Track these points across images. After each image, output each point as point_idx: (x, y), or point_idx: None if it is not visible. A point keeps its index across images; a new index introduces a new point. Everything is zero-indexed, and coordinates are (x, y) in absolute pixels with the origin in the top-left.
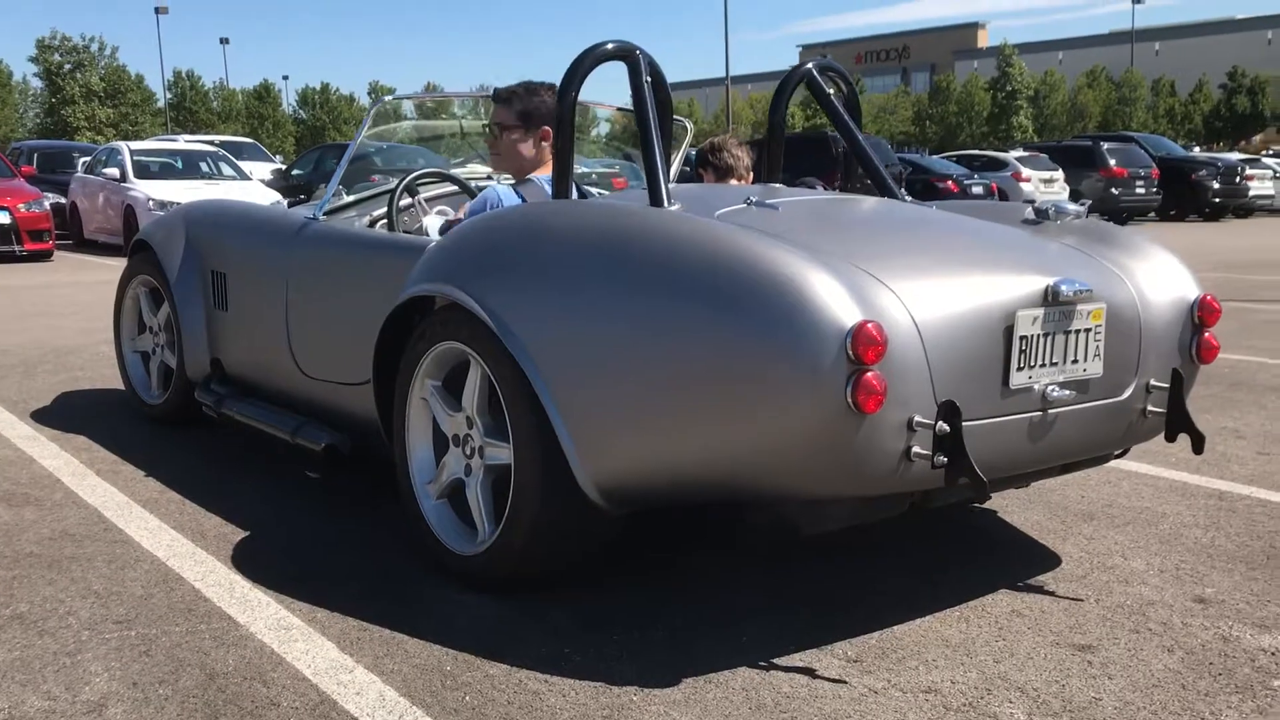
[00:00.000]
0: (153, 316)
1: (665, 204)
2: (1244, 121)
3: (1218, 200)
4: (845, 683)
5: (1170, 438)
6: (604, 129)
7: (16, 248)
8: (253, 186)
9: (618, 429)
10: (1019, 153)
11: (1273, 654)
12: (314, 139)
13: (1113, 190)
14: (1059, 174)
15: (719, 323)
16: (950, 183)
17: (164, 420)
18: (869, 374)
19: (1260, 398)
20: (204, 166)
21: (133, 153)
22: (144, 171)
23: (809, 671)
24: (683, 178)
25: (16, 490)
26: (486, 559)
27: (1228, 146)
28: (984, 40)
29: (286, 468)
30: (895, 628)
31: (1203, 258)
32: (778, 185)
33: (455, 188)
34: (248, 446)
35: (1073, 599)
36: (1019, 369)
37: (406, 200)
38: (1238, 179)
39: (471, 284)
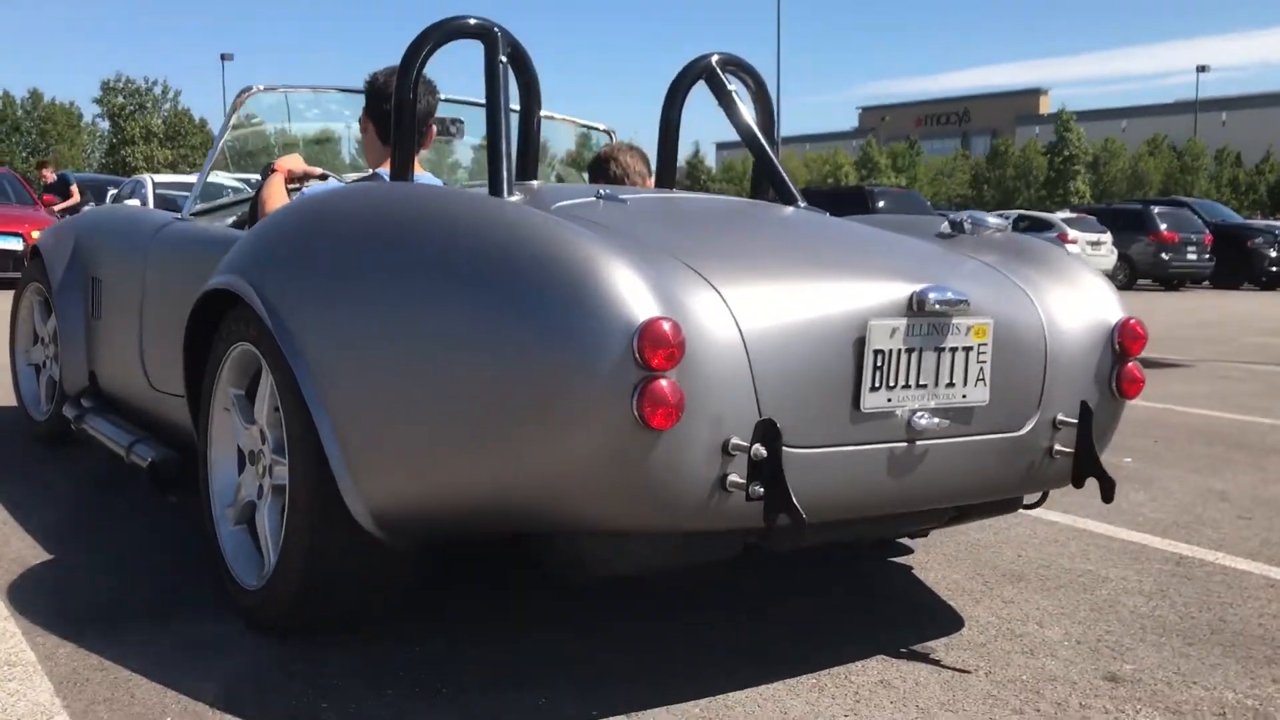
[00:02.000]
0: (43, 327)
1: (504, 194)
2: None
3: (1274, 269)
4: None
5: (1077, 483)
6: (556, 149)
7: None
8: None
9: (390, 444)
10: (1066, 214)
11: None
12: None
13: (1163, 255)
14: (1107, 236)
15: (495, 318)
16: None
17: (48, 438)
18: (660, 382)
19: (1261, 460)
20: (228, 197)
21: (156, 185)
22: (166, 204)
23: None
24: None
25: None
26: (264, 594)
27: None
28: (1046, 106)
29: (143, 491)
30: (731, 694)
31: (1249, 324)
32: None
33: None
34: (118, 468)
35: (959, 670)
36: (873, 388)
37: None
38: None
39: (255, 274)
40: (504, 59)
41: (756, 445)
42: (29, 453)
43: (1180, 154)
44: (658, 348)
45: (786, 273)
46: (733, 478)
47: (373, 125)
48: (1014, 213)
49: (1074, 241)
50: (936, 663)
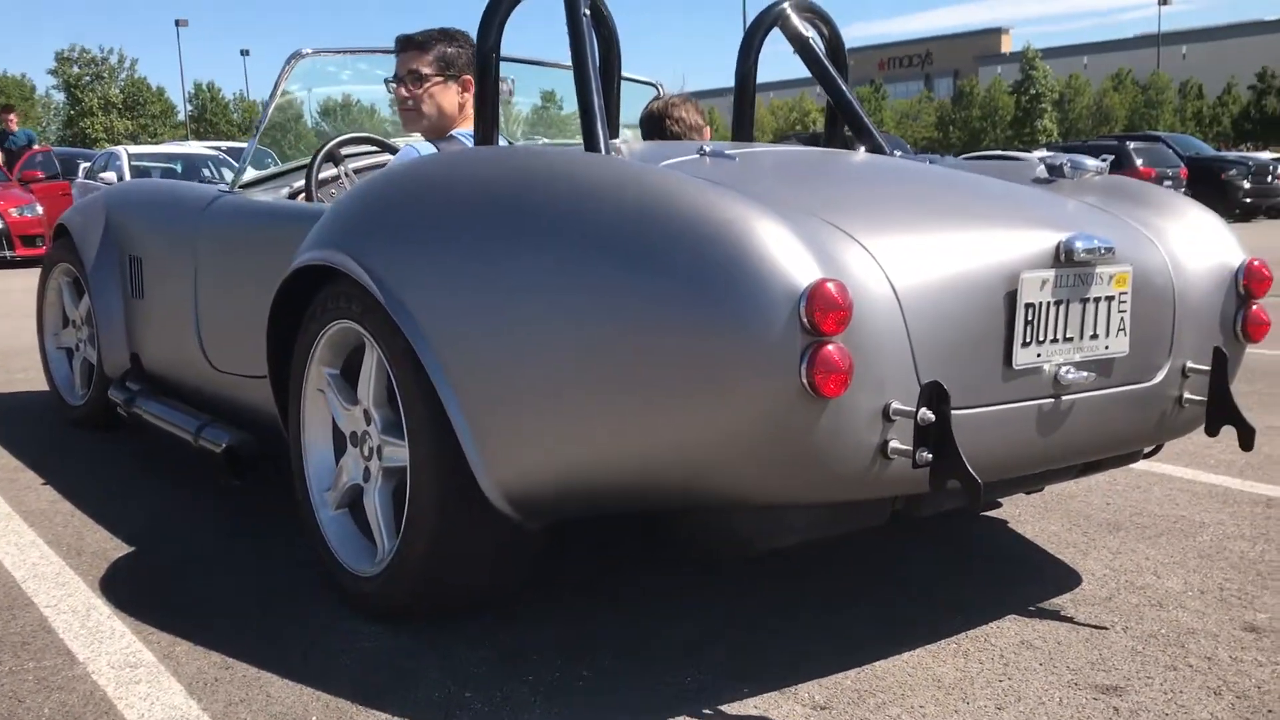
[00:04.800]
0: (74, 308)
1: (602, 153)
2: (1274, 123)
3: (1249, 200)
4: None
5: (1212, 431)
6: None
7: (8, 253)
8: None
9: (527, 421)
10: (1042, 153)
11: None
12: None
13: None
14: None
15: (641, 285)
16: None
17: (86, 423)
18: (829, 347)
19: None
20: (205, 171)
21: (131, 157)
22: (142, 175)
23: None
24: None
25: None
26: (383, 580)
27: (1257, 149)
28: (1007, 45)
29: (203, 475)
30: (877, 664)
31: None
32: (748, 144)
33: (389, 156)
34: (167, 452)
35: (1095, 627)
36: (1024, 344)
37: (331, 171)
38: (1270, 178)
39: (358, 248)
40: (586, 11)
41: (923, 409)
42: (72, 439)
43: (1144, 88)
44: (828, 311)
45: (930, 225)
46: (894, 444)
47: (444, 86)
48: (989, 154)
49: None
50: (1070, 620)
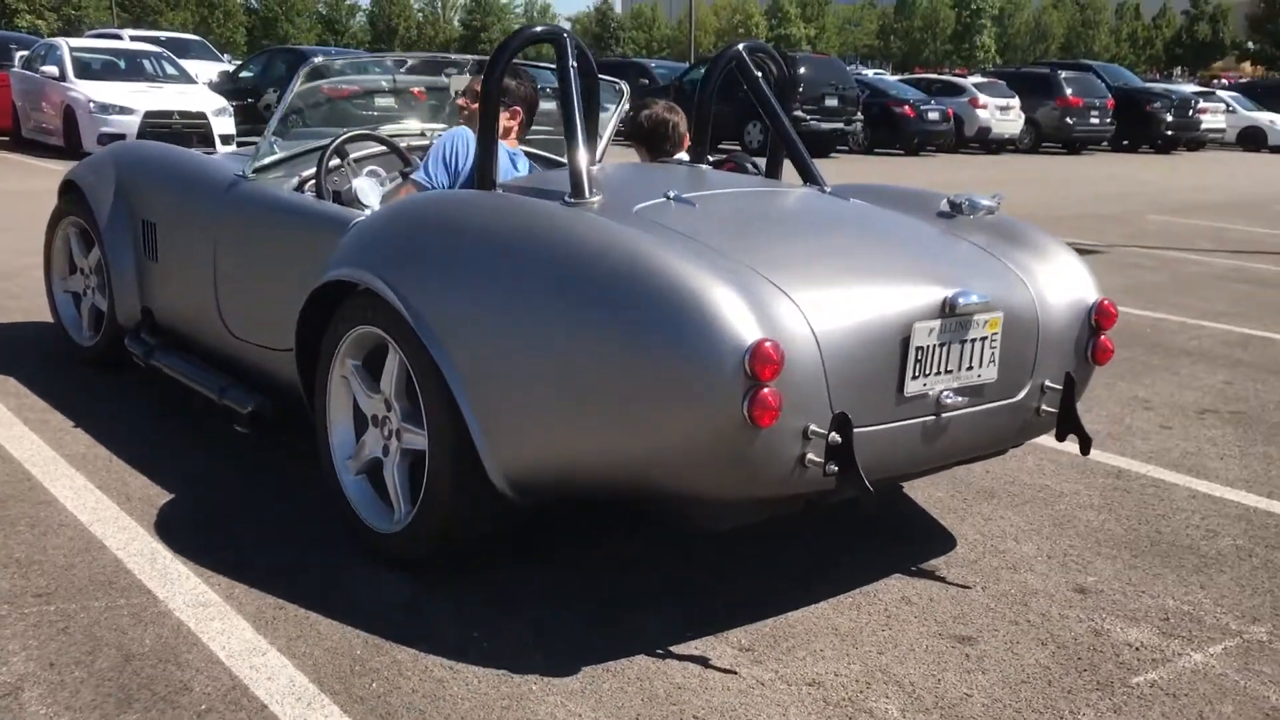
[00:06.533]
0: (83, 258)
1: (586, 195)
2: (1205, 49)
3: (1170, 133)
4: (735, 673)
5: (1060, 438)
6: None
7: None
8: (199, 90)
9: (526, 425)
10: (977, 79)
11: (1136, 649)
12: (266, 30)
13: (1067, 119)
14: (1015, 101)
15: (622, 331)
16: (907, 108)
17: (95, 363)
18: (765, 390)
19: (1174, 363)
20: (148, 67)
21: (72, 50)
22: (85, 70)
23: (702, 661)
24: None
25: None
26: (402, 539)
27: (1186, 75)
28: None
29: (216, 421)
30: (790, 614)
31: (1153, 198)
32: (705, 168)
33: (385, 149)
34: (179, 396)
35: (961, 586)
36: (914, 377)
37: (335, 161)
38: (1191, 112)
39: (389, 274)
40: (574, 65)
41: (833, 433)
42: (88, 378)
43: (1083, 7)
44: (765, 364)
45: (843, 280)
46: (810, 456)
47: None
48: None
49: (984, 106)
50: (942, 580)
